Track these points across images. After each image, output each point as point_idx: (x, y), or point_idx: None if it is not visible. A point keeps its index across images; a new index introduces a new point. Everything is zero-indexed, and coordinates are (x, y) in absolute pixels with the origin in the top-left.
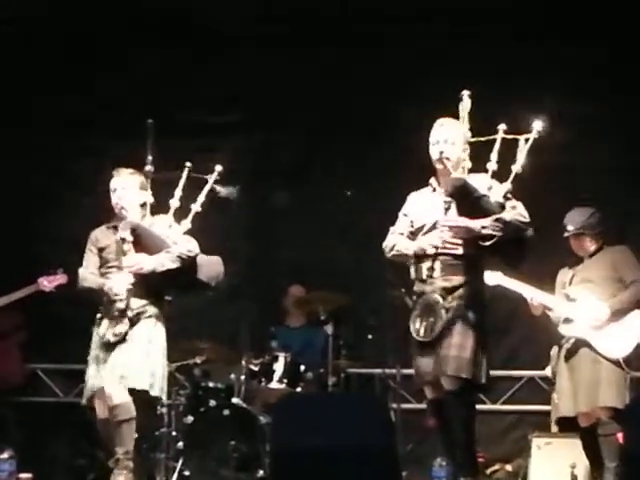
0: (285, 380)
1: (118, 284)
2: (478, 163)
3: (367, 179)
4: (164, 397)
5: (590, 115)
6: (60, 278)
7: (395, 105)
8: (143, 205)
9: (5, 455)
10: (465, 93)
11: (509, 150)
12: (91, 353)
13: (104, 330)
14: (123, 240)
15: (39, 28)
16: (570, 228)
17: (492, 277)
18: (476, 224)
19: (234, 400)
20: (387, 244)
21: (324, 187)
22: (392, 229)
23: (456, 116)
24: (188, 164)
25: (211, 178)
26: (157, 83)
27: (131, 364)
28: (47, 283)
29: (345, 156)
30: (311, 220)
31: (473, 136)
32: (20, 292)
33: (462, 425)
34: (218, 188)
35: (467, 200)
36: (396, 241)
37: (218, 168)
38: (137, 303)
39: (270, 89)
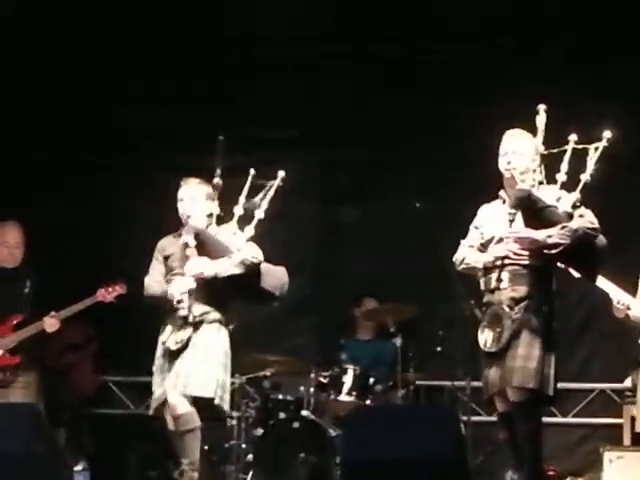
0: (354, 393)
1: (176, 289)
2: (549, 175)
3: (437, 191)
4: (226, 407)
5: None
6: (119, 289)
7: (462, 119)
8: (210, 215)
9: (79, 467)
10: (541, 107)
11: (579, 160)
12: (155, 363)
13: (166, 338)
14: (186, 245)
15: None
16: None
17: None
18: (541, 234)
19: (303, 412)
20: (457, 257)
21: (392, 200)
22: (463, 242)
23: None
24: (252, 171)
25: (274, 184)
26: (224, 99)
27: (193, 372)
28: (106, 294)
29: (414, 169)
30: (380, 233)
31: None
32: (80, 304)
33: (528, 437)
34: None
35: (532, 211)
36: (466, 254)
37: (281, 174)
38: (199, 309)
39: (334, 104)
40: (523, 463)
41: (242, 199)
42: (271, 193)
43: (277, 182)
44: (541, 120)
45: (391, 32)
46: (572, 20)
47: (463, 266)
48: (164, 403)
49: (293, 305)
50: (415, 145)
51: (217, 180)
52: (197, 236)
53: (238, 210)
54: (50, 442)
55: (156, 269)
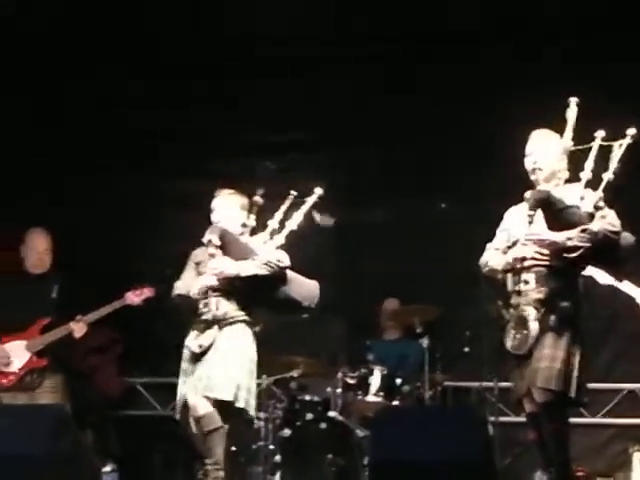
0: (381, 393)
1: (197, 284)
2: (573, 173)
3: (464, 193)
4: (251, 411)
5: None
6: (147, 292)
7: (488, 118)
8: (243, 225)
9: (108, 468)
10: (573, 100)
11: (602, 159)
12: (181, 366)
13: (191, 341)
14: (209, 242)
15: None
16: None
17: (604, 277)
18: (561, 236)
19: (331, 413)
20: (483, 260)
21: (418, 200)
22: (489, 245)
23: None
24: (293, 192)
25: (310, 200)
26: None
27: (213, 375)
28: (134, 297)
29: (439, 170)
30: (406, 233)
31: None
32: (108, 307)
33: (555, 438)
34: (315, 214)
35: (552, 212)
36: (489, 258)
37: (318, 191)
38: (223, 310)
39: (354, 104)
40: (551, 464)
41: (279, 214)
42: (307, 208)
43: (314, 199)
44: (572, 114)
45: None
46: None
47: (487, 269)
48: (186, 405)
49: (318, 306)
50: (438, 145)
51: (258, 198)
52: (222, 237)
53: (272, 224)
54: (77, 443)
55: (187, 275)
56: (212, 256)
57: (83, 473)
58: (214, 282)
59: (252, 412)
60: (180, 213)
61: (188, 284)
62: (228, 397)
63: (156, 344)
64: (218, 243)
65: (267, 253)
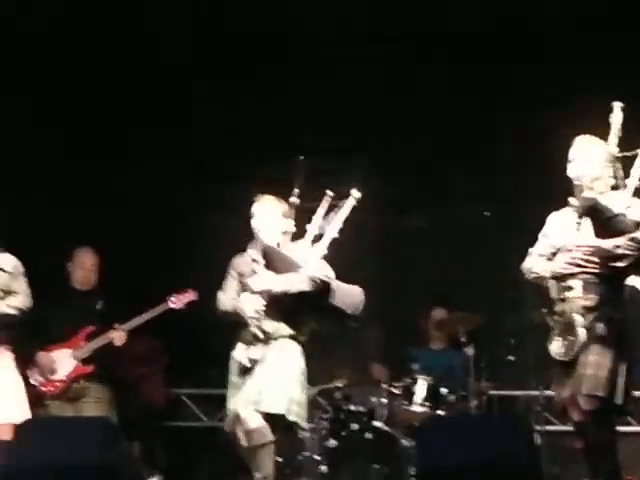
0: (426, 403)
1: (247, 305)
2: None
3: (506, 198)
4: (302, 422)
5: None
6: (190, 295)
7: (534, 123)
8: (284, 233)
9: (154, 479)
10: (617, 104)
11: None
12: (230, 379)
13: (239, 354)
14: (254, 260)
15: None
16: None
17: None
18: (609, 244)
19: (376, 423)
20: (525, 266)
21: (462, 207)
22: (531, 250)
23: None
24: (329, 192)
25: (347, 204)
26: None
27: (266, 388)
28: (177, 301)
29: (480, 177)
30: (449, 242)
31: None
32: (151, 312)
33: (601, 446)
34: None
35: (599, 220)
36: (534, 263)
37: (355, 194)
38: (271, 326)
39: (398, 110)
40: (599, 473)
41: (317, 218)
42: (346, 212)
43: (352, 202)
44: (616, 119)
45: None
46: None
47: (532, 275)
48: (236, 418)
49: (363, 315)
50: (478, 152)
51: (294, 199)
52: (265, 253)
53: (312, 229)
54: (124, 455)
55: (229, 285)
56: (255, 273)
57: None
58: (262, 304)
59: (304, 424)
60: (224, 219)
61: (232, 298)
62: (280, 410)
63: (202, 355)
64: (262, 261)
65: (312, 267)
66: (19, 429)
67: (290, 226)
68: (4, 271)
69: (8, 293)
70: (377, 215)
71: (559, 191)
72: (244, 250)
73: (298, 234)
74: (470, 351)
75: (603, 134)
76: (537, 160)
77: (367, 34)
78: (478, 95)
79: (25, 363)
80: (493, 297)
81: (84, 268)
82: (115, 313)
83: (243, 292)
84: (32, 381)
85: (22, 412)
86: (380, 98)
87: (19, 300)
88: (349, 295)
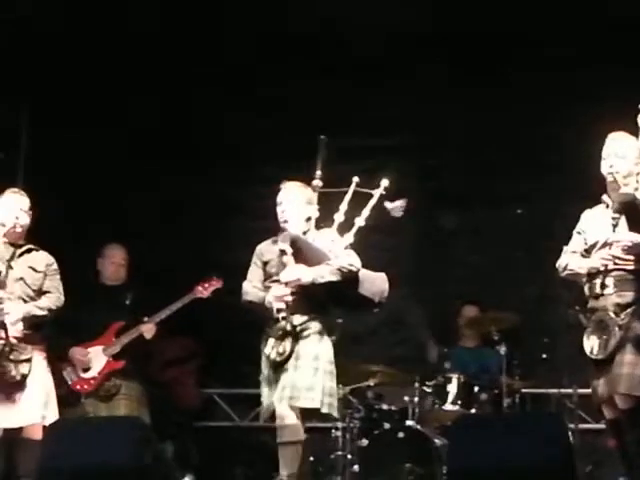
0: (459, 401)
1: (275, 297)
2: None
3: (539, 198)
4: (335, 413)
5: None
6: (216, 283)
7: (559, 122)
8: (308, 219)
9: (187, 478)
10: None
11: None
12: (262, 373)
13: (269, 350)
14: (282, 252)
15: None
16: None
17: None
18: None
19: (408, 422)
20: (560, 263)
21: (493, 206)
22: (565, 248)
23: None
24: (355, 179)
25: (377, 192)
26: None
27: (299, 383)
28: (203, 290)
29: (513, 177)
30: (481, 240)
31: None
32: (179, 302)
33: (638, 444)
34: (387, 203)
35: (635, 215)
36: (569, 260)
37: (384, 183)
38: (300, 319)
39: (433, 111)
40: (635, 471)
41: (343, 206)
42: (374, 202)
43: (380, 191)
44: None
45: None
46: None
47: (566, 272)
48: (272, 414)
49: (394, 314)
50: (513, 151)
51: (317, 182)
52: (293, 243)
53: (338, 217)
54: (157, 455)
55: (254, 274)
56: (284, 265)
57: None
58: (289, 295)
59: (335, 414)
60: (250, 220)
61: (257, 287)
62: (315, 405)
63: (234, 355)
64: (291, 251)
65: (340, 258)
66: (50, 430)
67: (314, 212)
68: (36, 271)
69: (40, 292)
70: (413, 213)
71: (594, 190)
72: (268, 238)
73: (322, 219)
74: (503, 349)
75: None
76: (576, 159)
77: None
78: (527, 102)
79: (58, 362)
80: (527, 295)
81: (114, 263)
82: (144, 307)
83: (269, 282)
84: (67, 379)
85: (51, 413)
86: (419, 97)
87: (51, 300)
88: (375, 284)
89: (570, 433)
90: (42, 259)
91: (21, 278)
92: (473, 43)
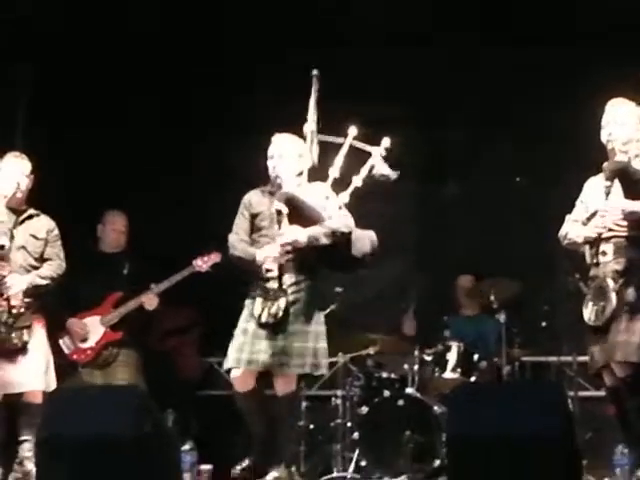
0: (459, 370)
1: (269, 258)
2: None
3: (539, 166)
4: (324, 371)
5: None
6: (215, 257)
7: (560, 90)
8: (300, 174)
9: (187, 447)
10: None
11: None
12: (240, 325)
13: (259, 310)
14: (279, 212)
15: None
16: None
17: None
18: (638, 205)
19: (408, 390)
20: (562, 233)
21: (493, 176)
22: (568, 217)
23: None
24: (353, 129)
25: (376, 150)
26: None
27: (290, 349)
28: (202, 264)
29: (514, 145)
30: (481, 209)
31: None
32: (178, 275)
33: (637, 412)
34: (378, 167)
35: (629, 182)
36: (569, 229)
37: (385, 142)
38: (290, 279)
39: (435, 82)
40: (634, 438)
41: (339, 160)
42: (373, 162)
43: (380, 150)
44: None
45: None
46: None
47: (566, 241)
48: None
49: (395, 283)
50: (513, 119)
51: (310, 125)
52: (289, 202)
53: (333, 172)
54: (158, 423)
55: (241, 226)
56: (279, 226)
57: (163, 451)
58: (282, 256)
59: (324, 371)
60: (248, 189)
61: (245, 241)
62: (306, 370)
63: (233, 323)
64: (287, 211)
65: (334, 219)
66: (50, 398)
67: (307, 164)
68: (37, 238)
69: (42, 260)
70: (415, 184)
71: (597, 157)
72: (255, 187)
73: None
74: (503, 317)
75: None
76: (575, 128)
77: None
78: (525, 71)
79: (55, 330)
80: (527, 264)
81: (115, 230)
82: (142, 277)
83: (258, 236)
84: (64, 349)
85: (51, 381)
86: (426, 69)
87: (52, 268)
88: (364, 242)
89: (570, 401)
90: (43, 225)
91: (23, 247)
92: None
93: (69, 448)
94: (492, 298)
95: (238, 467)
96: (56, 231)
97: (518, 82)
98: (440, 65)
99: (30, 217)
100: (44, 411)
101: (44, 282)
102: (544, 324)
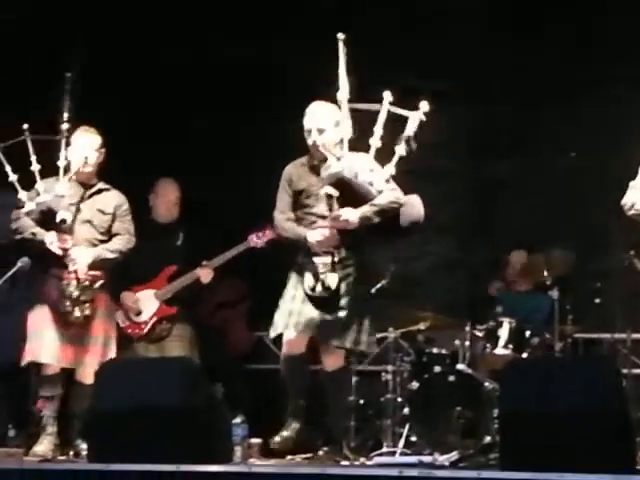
0: (510, 346)
1: (320, 240)
2: None
3: (591, 141)
4: (367, 349)
5: None
6: (269, 234)
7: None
8: (340, 142)
9: (238, 420)
10: None
11: None
12: (287, 293)
13: (310, 283)
14: (329, 197)
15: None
16: None
17: None
18: None
19: (459, 366)
20: (626, 201)
21: (545, 152)
22: (632, 183)
23: None
24: (387, 94)
25: (415, 115)
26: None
27: (334, 324)
28: (257, 239)
29: (566, 121)
30: (535, 185)
31: None
32: (233, 250)
33: None
34: (412, 131)
35: None
36: (636, 198)
37: (424, 106)
38: (340, 255)
39: (484, 59)
40: None
41: (378, 129)
42: (413, 127)
43: (419, 114)
44: None
45: None
46: None
47: (633, 211)
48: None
49: (447, 259)
50: (566, 100)
51: (343, 93)
52: (338, 183)
53: (374, 142)
54: (208, 396)
55: (284, 202)
56: (330, 209)
57: (214, 424)
58: (333, 238)
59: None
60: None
61: (290, 219)
62: (349, 344)
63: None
64: (337, 195)
65: (384, 194)
66: (102, 369)
67: (346, 132)
68: (104, 213)
69: (110, 234)
70: (465, 161)
71: None
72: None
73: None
74: (555, 294)
75: None
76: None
77: None
78: (572, 47)
79: (113, 304)
80: (580, 240)
81: (167, 201)
82: (196, 249)
83: (303, 212)
84: (119, 322)
85: (109, 355)
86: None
87: (122, 242)
88: (412, 211)
89: (623, 378)
90: (111, 200)
91: (88, 221)
92: None
93: (121, 419)
94: (545, 274)
95: (277, 437)
96: (125, 206)
97: (574, 60)
98: (488, 41)
99: (99, 192)
100: (95, 382)
101: (112, 255)
102: (597, 300)
